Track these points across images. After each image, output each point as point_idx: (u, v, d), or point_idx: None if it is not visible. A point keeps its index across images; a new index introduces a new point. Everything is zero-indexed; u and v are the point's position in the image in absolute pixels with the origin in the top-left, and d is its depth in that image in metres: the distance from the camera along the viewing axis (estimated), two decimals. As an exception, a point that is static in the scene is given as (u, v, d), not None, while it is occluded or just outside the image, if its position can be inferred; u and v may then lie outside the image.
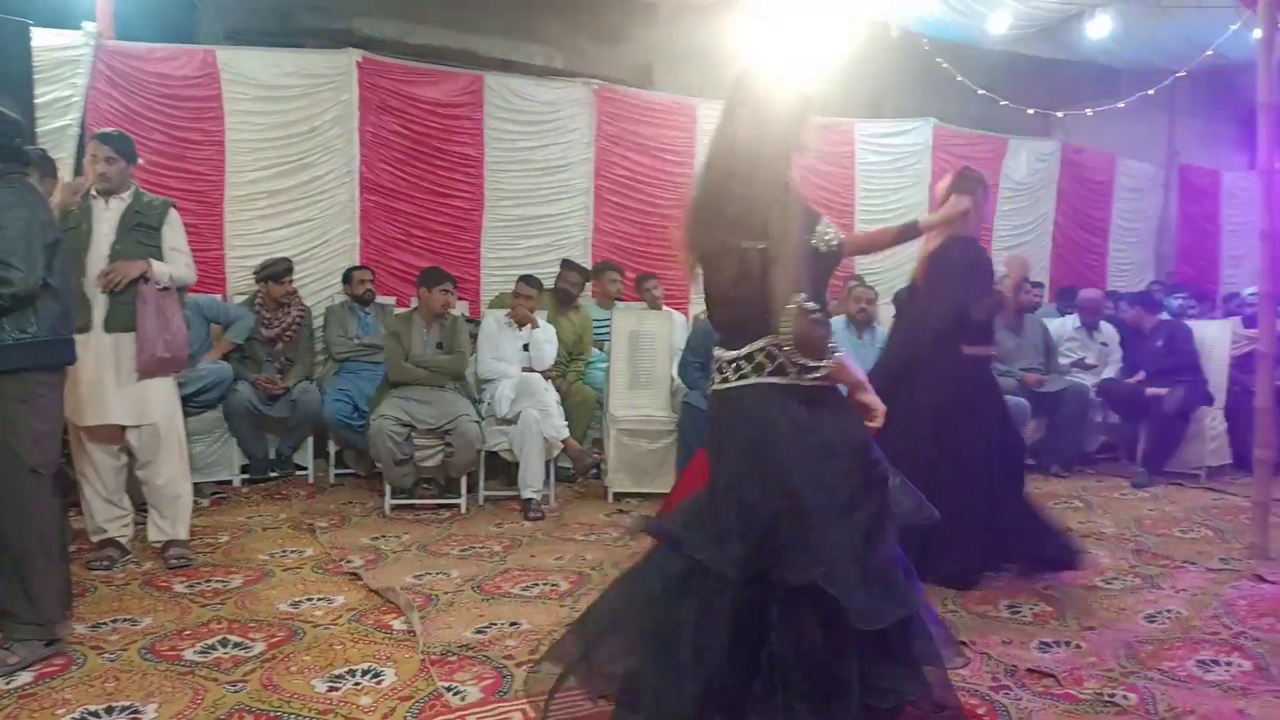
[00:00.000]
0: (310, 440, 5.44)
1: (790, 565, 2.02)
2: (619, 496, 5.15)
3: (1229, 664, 2.82)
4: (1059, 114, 8.38)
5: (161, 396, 3.65)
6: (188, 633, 2.98)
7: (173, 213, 3.73)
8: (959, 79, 7.53)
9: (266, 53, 6.03)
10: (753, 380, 2.12)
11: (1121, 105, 7.85)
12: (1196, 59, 7.51)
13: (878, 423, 2.19)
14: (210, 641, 2.90)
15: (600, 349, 5.96)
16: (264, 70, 5.87)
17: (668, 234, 7.23)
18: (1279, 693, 2.60)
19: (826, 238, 2.17)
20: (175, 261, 3.69)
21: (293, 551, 3.98)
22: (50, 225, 2.88)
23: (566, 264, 6.09)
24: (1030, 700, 2.53)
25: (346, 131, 6.09)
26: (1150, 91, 7.85)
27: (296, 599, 3.34)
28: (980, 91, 7.62)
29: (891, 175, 8.01)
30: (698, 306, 6.65)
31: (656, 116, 7.15)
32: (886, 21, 7.11)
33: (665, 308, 6.25)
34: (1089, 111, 8.11)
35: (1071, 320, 6.65)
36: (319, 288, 6.00)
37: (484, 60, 7.52)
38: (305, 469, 5.43)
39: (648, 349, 5.48)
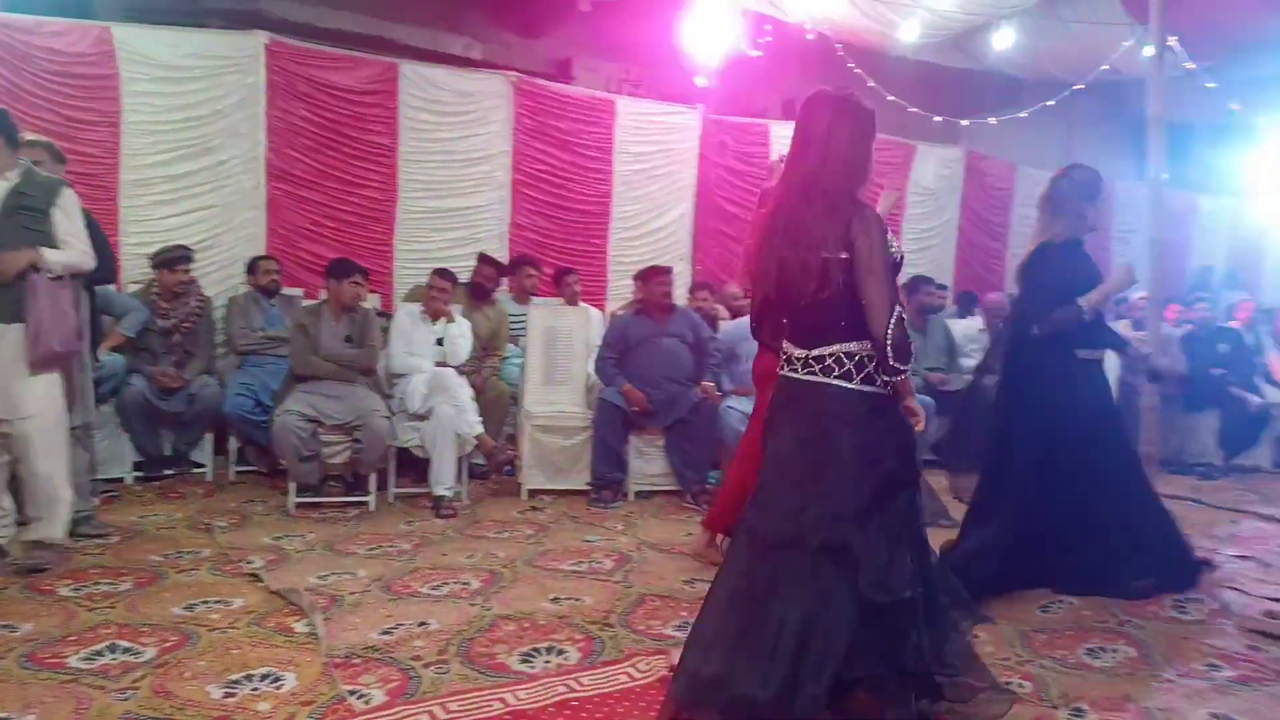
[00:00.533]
0: (209, 436, 5.23)
1: (821, 530, 2.25)
2: (533, 493, 5.10)
3: (1115, 651, 2.95)
4: (964, 122, 8.66)
5: (40, 390, 3.41)
6: (73, 638, 2.82)
7: (66, 194, 3.50)
8: (871, 84, 7.70)
9: (167, 31, 5.77)
10: (820, 379, 2.34)
11: (1024, 115, 8.15)
12: (1093, 72, 7.86)
13: (921, 427, 2.40)
14: (97, 647, 2.76)
15: (516, 344, 5.90)
16: (164, 50, 5.63)
17: (585, 229, 7.24)
18: (1160, 677, 2.74)
19: (893, 249, 2.34)
20: (70, 247, 3.47)
21: (189, 552, 3.81)
22: None
23: (482, 258, 6.01)
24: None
25: (252, 116, 5.88)
26: (1050, 102, 8.18)
27: (191, 602, 3.20)
28: (890, 98, 7.82)
29: (806, 177, 8.14)
30: (615, 303, 6.66)
31: (575, 111, 7.11)
32: (802, 24, 7.23)
33: (582, 304, 6.23)
34: (992, 120, 8.42)
35: (976, 322, 6.87)
36: (222, 277, 5.77)
37: (399, 48, 7.38)
38: (203, 466, 5.22)
39: (564, 345, 5.45)
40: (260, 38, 5.90)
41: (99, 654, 2.71)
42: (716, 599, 2.36)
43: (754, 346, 5.38)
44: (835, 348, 2.32)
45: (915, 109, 8.01)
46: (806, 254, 2.29)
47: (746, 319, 5.74)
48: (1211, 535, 4.56)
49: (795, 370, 2.39)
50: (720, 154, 7.73)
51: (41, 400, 3.42)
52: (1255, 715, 2.46)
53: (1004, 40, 7.63)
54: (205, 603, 3.20)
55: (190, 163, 5.71)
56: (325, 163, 6.17)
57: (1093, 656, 2.89)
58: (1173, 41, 6.07)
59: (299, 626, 2.98)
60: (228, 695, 2.47)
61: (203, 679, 2.56)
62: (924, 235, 8.78)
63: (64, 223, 3.47)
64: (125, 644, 2.79)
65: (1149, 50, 4.50)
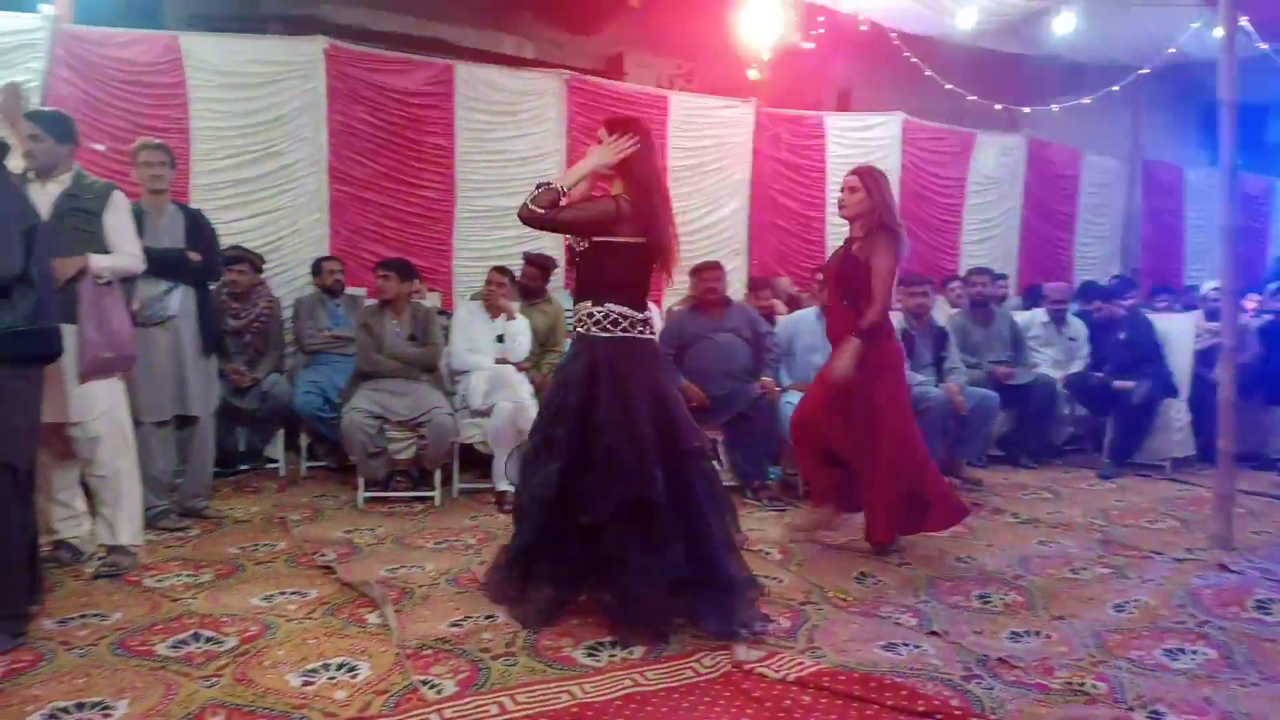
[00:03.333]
0: (281, 433, 5.38)
1: None
2: (592, 488, 5.13)
3: (1195, 652, 2.87)
4: (1025, 110, 8.48)
5: (99, 392, 3.37)
6: (159, 627, 2.93)
7: (116, 196, 3.49)
8: (927, 74, 7.59)
9: (231, 39, 5.94)
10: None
11: (1088, 101, 7.96)
12: (1159, 56, 7.63)
13: None
14: (182, 636, 2.86)
15: (573, 340, 5.91)
16: (228, 57, 5.79)
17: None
18: (1244, 680, 2.65)
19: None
20: (119, 250, 3.46)
21: (265, 545, 3.93)
22: (26, 212, 2.79)
23: (527, 258, 6.02)
24: (1002, 690, 2.55)
25: (314, 120, 6.01)
26: (1114, 88, 7.97)
27: (269, 593, 3.30)
28: (948, 86, 7.69)
29: (862, 169, 8.04)
30: (671, 299, 6.65)
31: (628, 108, 7.11)
32: (855, 14, 7.15)
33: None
34: (1055, 108, 8.22)
35: (1040, 314, 6.71)
36: (289, 278, 5.93)
37: (453, 49, 7.47)
38: (276, 462, 5.37)
39: (620, 341, 5.44)
40: (320, 43, 6.03)
41: (184, 642, 2.81)
42: None
43: (810, 340, 5.38)
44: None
45: (974, 97, 7.87)
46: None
47: (802, 312, 5.73)
48: (1292, 531, 4.42)
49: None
50: (774, 148, 7.69)
51: (104, 401, 3.39)
52: (1344, 718, 2.38)
53: (1065, 25, 7.44)
54: (283, 594, 3.29)
55: (255, 167, 5.87)
56: (385, 164, 6.28)
57: (1170, 658, 2.82)
58: (1243, 22, 5.87)
59: (371, 618, 3.05)
60: (306, 684, 2.54)
61: (282, 667, 2.64)
62: (985, 225, 8.63)
63: (114, 226, 3.46)
64: (208, 633, 2.88)
65: (1219, 31, 4.34)
